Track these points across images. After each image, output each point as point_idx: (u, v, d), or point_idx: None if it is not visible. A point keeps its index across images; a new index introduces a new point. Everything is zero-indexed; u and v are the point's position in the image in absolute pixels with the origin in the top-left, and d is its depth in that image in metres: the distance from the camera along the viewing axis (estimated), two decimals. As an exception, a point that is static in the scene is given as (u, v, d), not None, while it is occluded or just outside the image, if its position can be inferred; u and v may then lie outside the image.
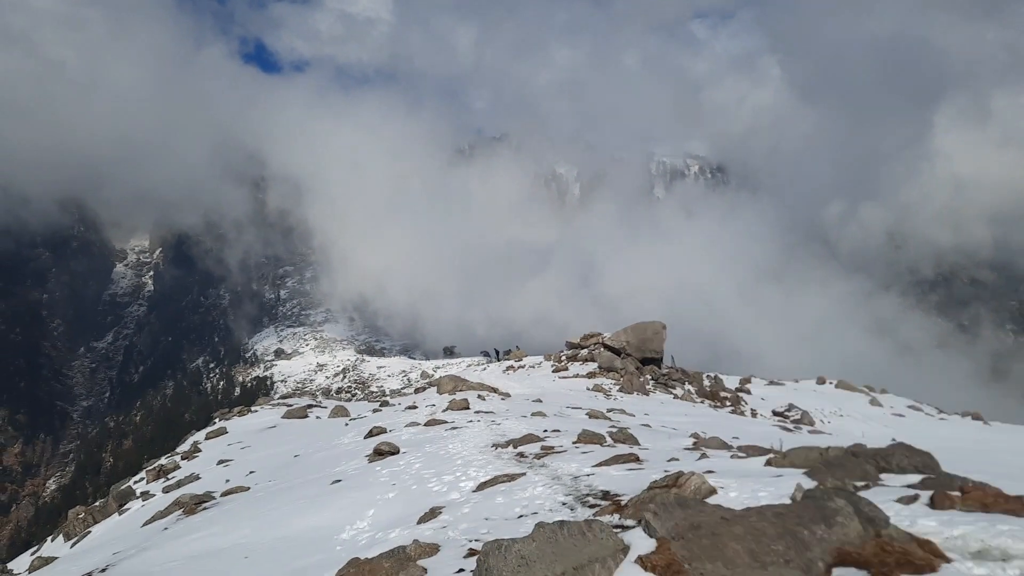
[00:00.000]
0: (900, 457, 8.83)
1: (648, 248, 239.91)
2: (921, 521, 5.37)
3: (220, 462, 21.28)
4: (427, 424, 19.76)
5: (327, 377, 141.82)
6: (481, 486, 10.40)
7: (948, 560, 4.53)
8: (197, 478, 19.52)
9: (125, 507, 19.97)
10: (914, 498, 6.56)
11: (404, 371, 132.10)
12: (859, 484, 7.69)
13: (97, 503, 22.64)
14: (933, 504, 6.26)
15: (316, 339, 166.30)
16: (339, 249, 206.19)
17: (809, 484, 7.25)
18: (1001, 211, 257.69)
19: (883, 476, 8.47)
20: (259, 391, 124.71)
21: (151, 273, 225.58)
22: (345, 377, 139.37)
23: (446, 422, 19.73)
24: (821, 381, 49.05)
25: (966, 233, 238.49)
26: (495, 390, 32.02)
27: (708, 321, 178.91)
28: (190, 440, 28.42)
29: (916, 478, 8.03)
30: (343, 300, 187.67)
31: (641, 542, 4.89)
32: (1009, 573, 4.23)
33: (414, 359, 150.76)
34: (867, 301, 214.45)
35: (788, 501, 5.92)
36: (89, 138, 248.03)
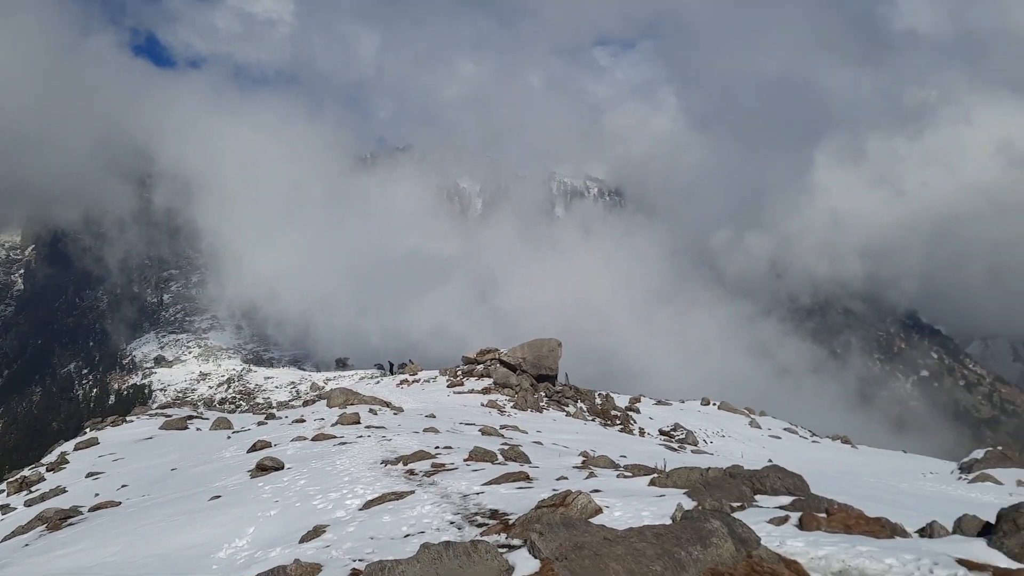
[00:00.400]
0: (773, 479, 9.29)
1: (546, 265, 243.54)
2: (790, 542, 5.67)
3: (90, 475, 20.09)
4: (315, 439, 19.30)
5: (210, 387, 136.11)
6: (368, 504, 10.24)
7: (812, 579, 4.80)
8: (63, 491, 18.35)
9: (-21, 522, 18.53)
10: (784, 519, 6.92)
11: (293, 383, 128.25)
12: (735, 505, 8.04)
13: (-52, 517, 20.91)
14: (801, 525, 6.62)
15: (200, 347, 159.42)
16: (230, 252, 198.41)
17: (689, 504, 7.52)
18: (872, 246, 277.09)
19: (758, 497, 8.89)
20: (136, 400, 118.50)
21: (21, 271, 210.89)
22: (230, 387, 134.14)
23: (335, 437, 19.32)
24: (705, 402, 50.92)
25: (840, 265, 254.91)
26: (388, 404, 31.64)
27: (601, 338, 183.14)
28: (57, 451, 26.69)
29: (787, 500, 8.47)
30: (231, 306, 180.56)
31: (525, 563, 4.94)
32: (865, 591, 4.52)
33: (304, 370, 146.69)
34: (749, 324, 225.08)
35: (669, 521, 6.13)
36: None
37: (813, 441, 43.40)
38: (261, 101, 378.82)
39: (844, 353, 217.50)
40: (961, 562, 4.81)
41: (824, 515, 6.99)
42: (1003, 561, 4.85)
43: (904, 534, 6.56)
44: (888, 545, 5.47)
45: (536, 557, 4.95)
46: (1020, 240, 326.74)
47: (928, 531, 6.81)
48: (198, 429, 27.79)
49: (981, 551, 5.09)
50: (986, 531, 5.80)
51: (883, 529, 6.61)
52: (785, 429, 45.39)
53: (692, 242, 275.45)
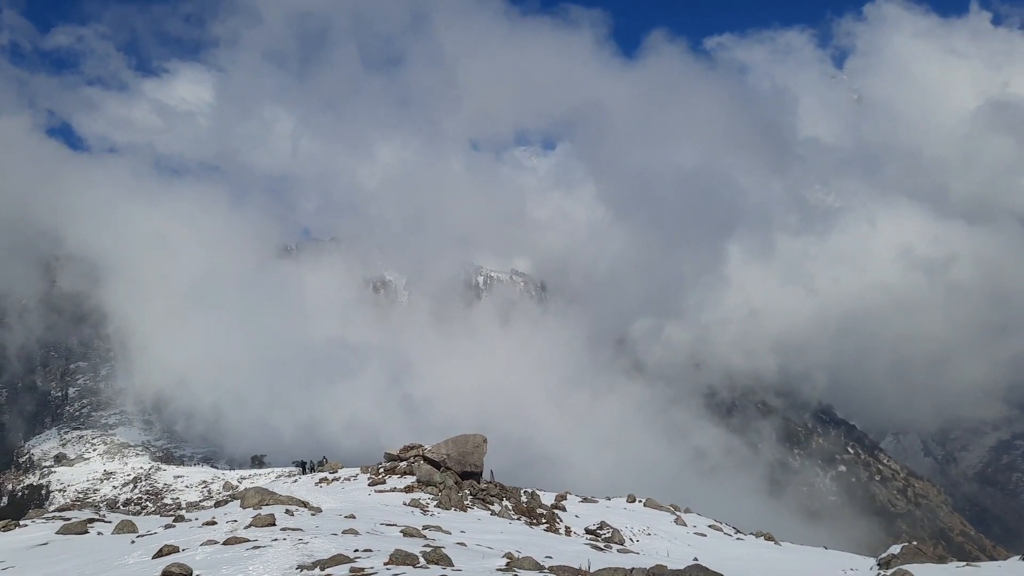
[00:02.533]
0: (695, 578, 9.37)
1: (468, 355, 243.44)
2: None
3: (-28, 587, 18.57)
4: (226, 542, 18.40)
5: (115, 487, 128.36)
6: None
7: None
8: (-59, 607, 16.85)
9: None
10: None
11: (205, 482, 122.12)
12: (658, 605, 8.05)
13: None
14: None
15: (106, 443, 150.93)
16: (138, 339, 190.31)
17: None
18: (785, 340, 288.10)
19: (680, 596, 8.92)
20: (32, 502, 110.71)
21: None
22: (136, 487, 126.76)
23: (248, 540, 18.47)
24: (631, 499, 50.88)
25: (755, 358, 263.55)
26: (305, 504, 30.44)
27: (520, 426, 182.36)
28: (-62, 559, 24.55)
29: (709, 598, 8.53)
30: (139, 398, 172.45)
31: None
32: None
33: (217, 468, 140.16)
34: (667, 413, 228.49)
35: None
36: None
37: (737, 538, 43.64)
38: (180, 188, 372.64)
39: (762, 445, 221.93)
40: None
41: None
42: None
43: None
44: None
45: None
46: (920, 335, 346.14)
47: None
48: (99, 533, 26.14)
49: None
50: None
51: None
52: (710, 526, 45.58)
53: (612, 330, 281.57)
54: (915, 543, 34.82)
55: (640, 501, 50.47)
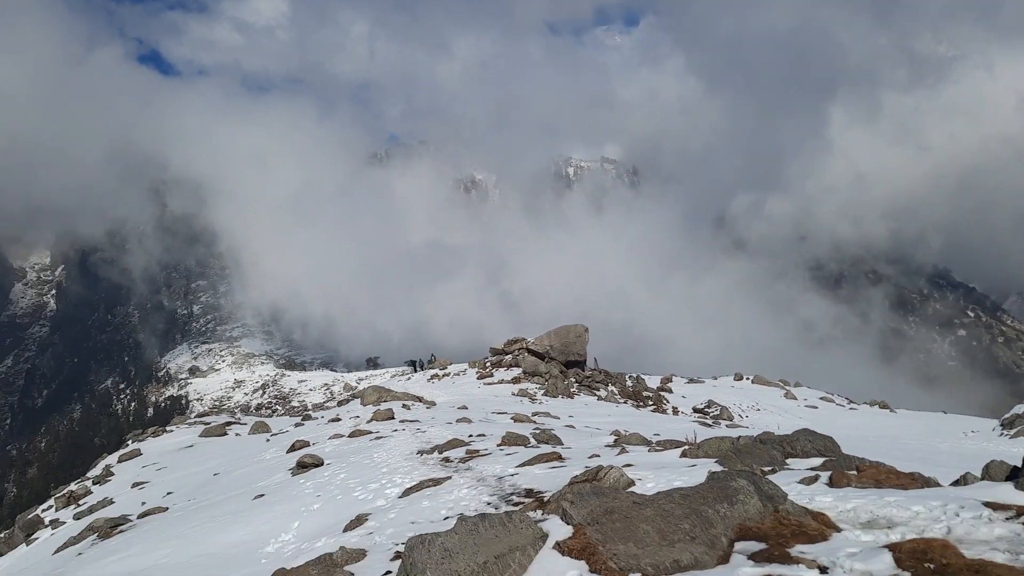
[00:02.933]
0: (804, 442, 9.36)
1: (564, 246, 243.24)
2: (819, 498, 5.76)
3: (135, 485, 20.59)
4: (351, 435, 19.60)
5: (246, 394, 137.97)
6: (407, 492, 10.45)
7: (839, 530, 4.91)
8: (111, 502, 18.82)
9: (33, 537, 19.09)
10: (815, 478, 7.00)
11: (326, 384, 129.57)
12: (766, 469, 8.13)
13: (2, 534, 21.55)
14: (831, 483, 6.70)
15: (233, 355, 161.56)
16: (248, 255, 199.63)
17: (720, 471, 7.62)
18: (896, 204, 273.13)
19: (789, 460, 8.96)
20: (174, 411, 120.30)
21: (53, 292, 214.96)
22: (265, 393, 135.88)
23: (371, 432, 19.60)
24: (739, 377, 50.69)
25: (865, 226, 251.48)
26: (420, 399, 31.92)
27: (621, 313, 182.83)
28: (101, 464, 27.32)
29: (818, 461, 8.54)
30: (257, 311, 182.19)
31: (559, 529, 5.10)
32: (892, 537, 4.61)
33: (336, 372, 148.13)
34: (771, 287, 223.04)
35: (699, 487, 6.25)
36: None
37: (850, 408, 43.08)
38: (269, 105, 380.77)
39: (873, 314, 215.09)
40: (987, 504, 4.88)
41: (855, 472, 7.06)
42: (1029, 501, 4.91)
43: (936, 486, 6.61)
44: (916, 495, 5.54)
45: (568, 524, 5.10)
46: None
47: (961, 482, 6.86)
48: (237, 434, 28.25)
49: (1007, 493, 5.15)
50: (1014, 475, 5.86)
51: (914, 482, 6.67)
52: (821, 398, 45.11)
53: (710, 209, 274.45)
54: (1042, 402, 33.45)
55: (748, 378, 50.24)
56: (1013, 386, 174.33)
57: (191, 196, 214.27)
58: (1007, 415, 29.91)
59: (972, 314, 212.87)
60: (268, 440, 24.00)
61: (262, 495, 13.20)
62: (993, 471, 6.23)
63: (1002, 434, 26.20)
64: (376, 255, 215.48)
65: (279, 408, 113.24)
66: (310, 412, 36.13)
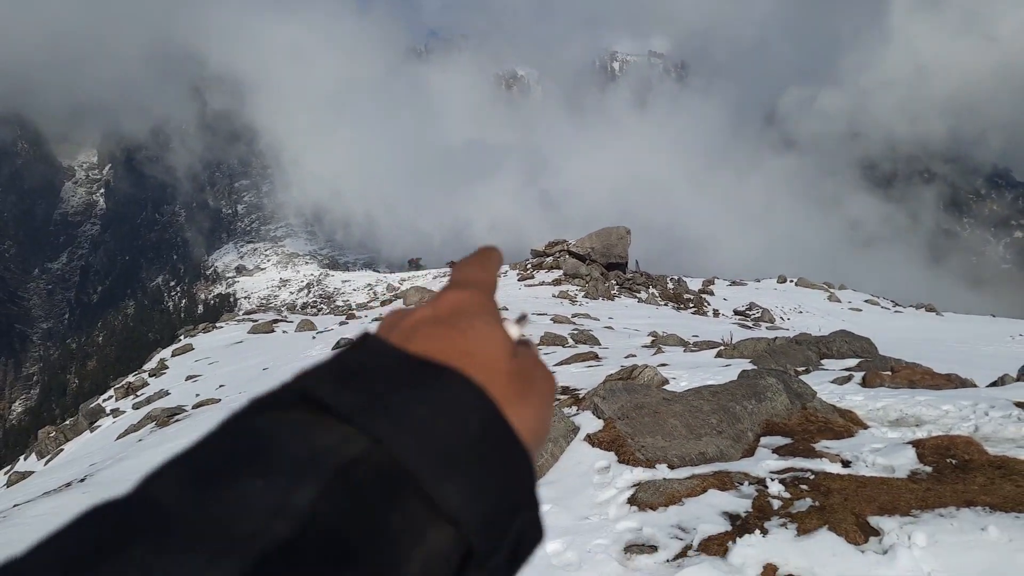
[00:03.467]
0: (840, 343, 9.37)
1: (607, 144, 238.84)
2: (850, 397, 5.83)
3: (188, 378, 21.46)
4: (393, 333, 20.02)
5: (291, 292, 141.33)
6: (446, 386, 10.75)
7: (866, 427, 4.98)
8: (167, 394, 19.72)
9: (96, 424, 20.19)
10: (848, 378, 7.05)
11: (369, 284, 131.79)
12: (800, 369, 8.20)
13: (67, 422, 22.81)
14: (864, 383, 6.75)
15: (278, 254, 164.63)
16: (289, 153, 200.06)
17: (750, 370, 7.70)
18: (956, 102, 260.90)
19: (824, 361, 9.01)
20: (222, 308, 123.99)
21: (102, 191, 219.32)
22: (310, 292, 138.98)
23: (412, 330, 19.98)
24: (782, 280, 50.23)
25: (922, 123, 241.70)
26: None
27: (666, 212, 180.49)
28: (156, 357, 28.46)
29: (854, 362, 8.57)
30: (300, 210, 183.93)
31: (590, 423, 5.27)
32: (918, 435, 4.68)
33: (379, 272, 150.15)
34: (819, 185, 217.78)
35: (730, 385, 6.36)
36: (13, 44, 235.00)
37: (896, 311, 42.52)
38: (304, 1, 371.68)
39: (924, 214, 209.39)
40: (1018, 404, 4.89)
41: (889, 373, 7.09)
42: (1062, 402, 4.91)
43: (973, 387, 6.62)
44: (948, 394, 5.57)
45: (599, 418, 5.26)
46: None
47: (999, 383, 6.86)
48: (284, 332, 29.05)
49: (1040, 394, 5.15)
50: (1051, 377, 5.83)
51: (949, 383, 6.68)
52: (866, 301, 44.55)
53: (759, 104, 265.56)
54: (1094, 308, 32.64)
55: (792, 281, 49.74)
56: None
57: (231, 93, 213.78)
58: (1057, 319, 29.34)
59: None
60: (314, 338, 24.67)
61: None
62: (1029, 373, 6.20)
63: (1049, 339, 25.80)
64: (416, 153, 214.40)
65: (324, 307, 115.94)
66: (354, 311, 36.92)
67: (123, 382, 25.06)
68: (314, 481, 0.29)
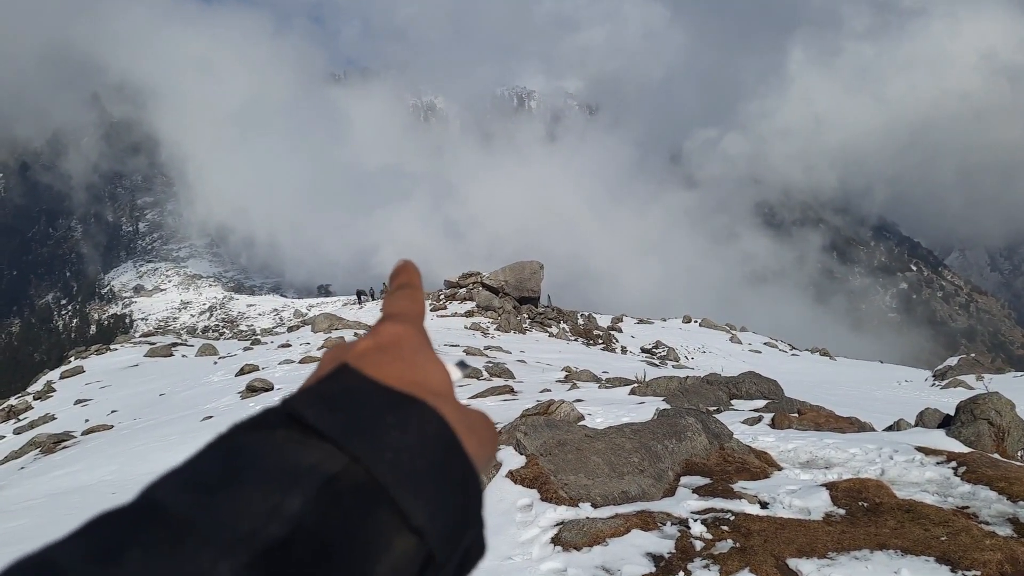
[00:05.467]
0: (749, 384, 9.65)
1: (519, 176, 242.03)
2: (762, 438, 5.98)
3: (78, 402, 20.31)
4: (302, 361, 19.57)
5: (192, 315, 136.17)
6: (357, 418, 10.49)
7: (780, 468, 5.11)
8: (53, 418, 18.58)
9: (-29, 450, 18.79)
10: (758, 419, 7.25)
11: (276, 309, 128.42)
12: (712, 408, 8.38)
13: (-62, 446, 21.14)
14: (774, 424, 6.95)
15: (180, 275, 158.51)
16: (193, 167, 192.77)
17: (670, 409, 7.82)
18: (847, 156, 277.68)
19: (734, 401, 9.24)
20: (117, 330, 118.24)
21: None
22: (212, 315, 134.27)
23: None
24: (687, 320, 51.59)
25: (816, 173, 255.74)
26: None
27: (571, 244, 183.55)
28: (43, 380, 26.83)
29: (762, 403, 8.83)
30: (204, 229, 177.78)
31: (512, 459, 5.20)
32: (829, 477, 4.83)
33: (286, 297, 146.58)
34: (719, 228, 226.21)
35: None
36: None
37: (792, 354, 44.28)
38: (220, 14, 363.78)
39: (819, 262, 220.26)
40: (919, 449, 5.12)
41: (796, 415, 7.32)
42: (957, 447, 5.17)
43: (872, 431, 6.90)
44: (853, 438, 5.78)
45: (522, 454, 5.21)
46: (992, 144, 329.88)
47: (895, 427, 7.17)
48: (184, 356, 27.94)
49: (939, 440, 5.41)
50: (946, 423, 6.14)
51: (851, 426, 6.96)
52: (765, 343, 46.24)
53: (667, 144, 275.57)
54: (972, 355, 34.93)
55: (696, 321, 51.18)
56: (948, 339, 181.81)
57: (133, 102, 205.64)
58: (939, 367, 31.14)
59: (915, 268, 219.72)
60: (216, 363, 23.81)
61: (211, 416, 13.16)
62: (927, 418, 6.52)
63: (934, 384, 27.30)
64: (326, 177, 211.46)
65: (227, 332, 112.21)
66: (259, 337, 35.87)
67: (4, 405, 23.46)
68: (302, 491, 0.33)
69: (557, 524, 4.28)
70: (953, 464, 4.79)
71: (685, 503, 4.43)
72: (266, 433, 0.35)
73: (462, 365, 0.42)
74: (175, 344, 31.05)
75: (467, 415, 0.43)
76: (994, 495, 4.27)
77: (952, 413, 6.27)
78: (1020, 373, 28.82)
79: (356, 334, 28.47)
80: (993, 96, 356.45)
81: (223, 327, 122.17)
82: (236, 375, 18.87)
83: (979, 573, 3.38)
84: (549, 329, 40.02)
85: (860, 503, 4.20)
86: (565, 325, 41.76)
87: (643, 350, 38.18)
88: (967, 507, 4.14)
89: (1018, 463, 5.09)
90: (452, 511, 0.37)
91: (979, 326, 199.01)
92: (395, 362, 0.43)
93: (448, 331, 34.22)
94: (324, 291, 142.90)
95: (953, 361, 31.05)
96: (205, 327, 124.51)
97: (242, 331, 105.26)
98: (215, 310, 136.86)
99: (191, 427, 12.52)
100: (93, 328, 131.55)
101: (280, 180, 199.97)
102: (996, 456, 5.24)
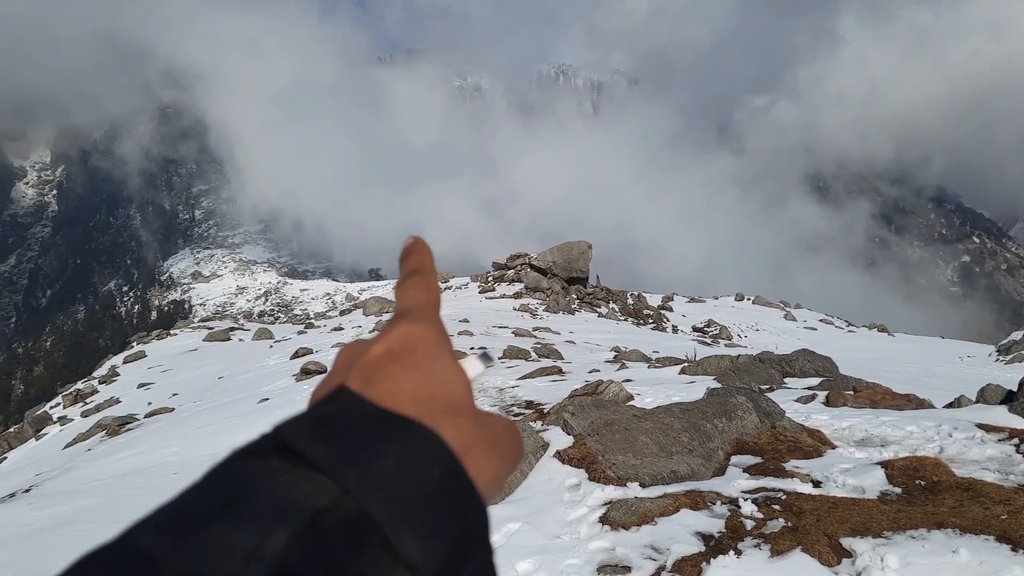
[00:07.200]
0: (802, 362, 9.47)
1: (571, 154, 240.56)
2: (815, 416, 5.87)
3: (141, 385, 20.96)
4: (354, 343, 19.82)
5: (248, 300, 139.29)
6: (408, 399, 10.61)
7: (834, 447, 5.01)
8: (117, 402, 19.22)
9: (42, 432, 19.59)
10: (812, 397, 7.11)
11: (328, 294, 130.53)
12: (764, 387, 8.25)
13: (11, 429, 22.10)
14: (828, 402, 6.81)
15: (235, 261, 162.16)
16: (243, 150, 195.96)
17: (719, 388, 7.73)
18: (905, 125, 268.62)
19: (787, 380, 9.09)
20: (177, 315, 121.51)
21: (55, 192, 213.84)
22: (267, 300, 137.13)
23: (373, 341, 19.79)
24: (739, 298, 50.92)
25: (871, 143, 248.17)
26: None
27: (617, 218, 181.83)
28: (107, 364, 27.75)
29: (816, 381, 8.66)
30: (256, 214, 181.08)
31: (560, 439, 5.21)
32: (885, 455, 4.72)
33: (338, 282, 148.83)
34: (770, 196, 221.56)
35: (697, 402, 6.37)
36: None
37: (849, 331, 43.39)
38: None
39: (871, 230, 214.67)
40: (980, 426, 4.97)
41: (851, 393, 7.17)
42: (1021, 424, 5.00)
43: (931, 407, 6.72)
44: (911, 415, 5.64)
45: (569, 434, 5.21)
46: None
47: (955, 404, 6.97)
48: (240, 340, 28.57)
49: (1001, 416, 5.24)
50: (1008, 399, 5.94)
51: (909, 403, 6.78)
52: (821, 320, 45.40)
53: (717, 114, 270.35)
54: (1038, 330, 33.73)
55: (749, 299, 50.45)
56: (1014, 315, 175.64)
57: (182, 87, 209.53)
58: (1004, 341, 30.15)
59: (978, 240, 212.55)
60: (271, 347, 24.28)
61: (267, 399, 13.46)
62: (988, 395, 6.32)
63: (997, 359, 26.49)
64: (372, 158, 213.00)
65: (281, 316, 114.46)
66: (312, 321, 36.48)
67: (72, 389, 24.39)
68: (287, 528, 0.31)
69: (605, 503, 4.27)
70: (1015, 441, 4.64)
71: (735, 482, 4.38)
72: (260, 462, 0.34)
73: (485, 358, 0.39)
74: (232, 329, 31.81)
75: (488, 426, 0.42)
76: (1059, 474, 4.13)
77: (1015, 389, 6.07)
78: (1090, 347, 27.72)
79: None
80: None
81: (278, 311, 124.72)
82: (291, 358, 19.25)
83: (1042, 553, 3.28)
84: (598, 309, 39.85)
85: (917, 481, 4.10)
86: (614, 305, 41.53)
87: (695, 329, 37.81)
88: (1030, 486, 4.00)
89: (1086, 441, 4.91)
90: (450, 544, 0.35)
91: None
92: (408, 373, 0.41)
93: (497, 313, 34.31)
94: (375, 274, 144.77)
95: (1018, 335, 29.99)
96: (261, 312, 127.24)
97: (296, 315, 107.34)
98: (270, 295, 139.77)
99: (248, 409, 12.83)
100: (154, 314, 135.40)
101: (326, 162, 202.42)
102: (1062, 434, 5.07)
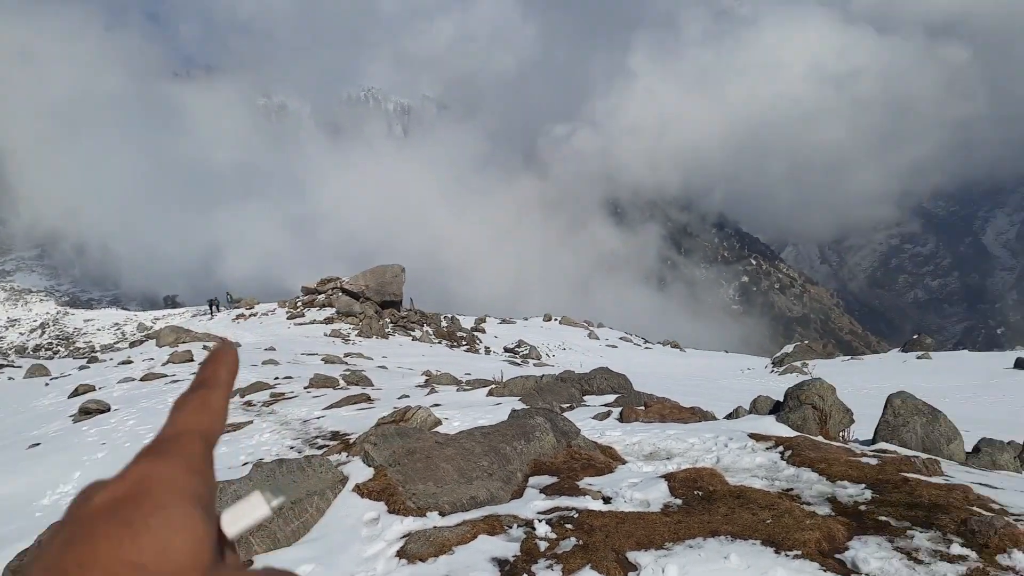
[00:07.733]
0: (600, 380, 9.92)
1: (378, 177, 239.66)
2: (609, 432, 6.15)
3: None
4: (143, 379, 18.37)
5: (21, 333, 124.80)
6: (203, 437, 9.94)
7: (624, 462, 5.26)
8: None
9: None
10: (607, 414, 7.46)
11: (118, 323, 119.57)
12: (565, 405, 8.55)
13: None
14: (622, 418, 7.17)
15: (5, 291, 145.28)
16: (16, 166, 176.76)
17: (522, 409, 7.90)
18: (689, 156, 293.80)
19: (586, 397, 9.47)
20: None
21: None
22: (44, 333, 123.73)
23: (166, 375, 18.48)
24: (548, 318, 52.83)
25: (661, 172, 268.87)
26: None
27: (424, 240, 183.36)
28: None
29: (612, 397, 9.09)
30: (31, 236, 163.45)
31: (360, 472, 5.07)
32: (669, 468, 5.02)
33: (128, 310, 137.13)
34: (572, 216, 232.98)
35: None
36: None
37: (646, 347, 46.30)
38: (44, 3, 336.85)
39: (663, 254, 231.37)
40: (751, 435, 5.43)
41: (643, 408, 7.59)
42: (786, 432, 5.53)
43: (713, 419, 7.25)
44: (693, 428, 6.05)
45: (370, 466, 5.08)
46: (817, 144, 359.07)
47: (733, 415, 7.58)
48: (10, 378, 25.58)
49: (770, 425, 5.75)
50: (775, 409, 6.55)
51: (694, 416, 7.28)
52: (621, 338, 48.09)
53: (521, 141, 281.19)
54: (806, 342, 37.83)
55: (556, 319, 52.48)
56: (784, 327, 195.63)
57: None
58: (777, 354, 33.53)
59: (754, 261, 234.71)
60: (47, 384, 21.95)
61: (37, 444, 12.09)
62: (760, 405, 6.92)
63: (772, 371, 29.34)
64: (165, 176, 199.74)
65: (62, 350, 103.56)
66: (97, 354, 33.47)
67: None
68: None
69: (403, 536, 4.19)
70: (780, 448, 5.11)
71: (532, 504, 4.46)
72: None
73: (273, 494, 0.41)
74: (0, 366, 28.44)
75: None
76: (815, 476, 4.59)
77: (781, 399, 6.70)
78: (847, 357, 31.50)
79: (205, 347, 27.09)
80: (820, 100, 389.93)
81: (57, 345, 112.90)
82: (69, 397, 17.49)
83: (800, 552, 3.61)
84: (413, 333, 39.78)
85: (696, 492, 4.39)
86: (429, 328, 41.64)
87: (506, 349, 38.73)
88: (791, 489, 4.42)
89: (838, 444, 5.51)
90: None
91: (812, 314, 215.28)
92: (118, 533, 0.33)
93: (306, 339, 33.29)
94: (171, 302, 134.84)
95: (789, 348, 33.50)
96: (37, 346, 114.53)
97: (79, 348, 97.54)
98: (48, 327, 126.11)
99: (14, 456, 11.43)
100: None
101: (114, 180, 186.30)
102: (819, 439, 5.65)
